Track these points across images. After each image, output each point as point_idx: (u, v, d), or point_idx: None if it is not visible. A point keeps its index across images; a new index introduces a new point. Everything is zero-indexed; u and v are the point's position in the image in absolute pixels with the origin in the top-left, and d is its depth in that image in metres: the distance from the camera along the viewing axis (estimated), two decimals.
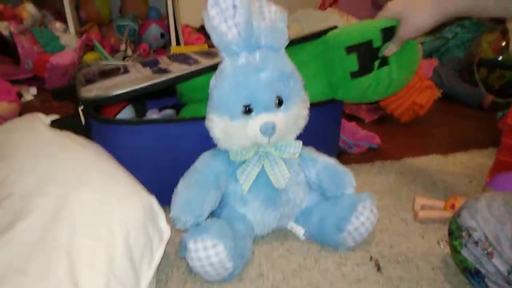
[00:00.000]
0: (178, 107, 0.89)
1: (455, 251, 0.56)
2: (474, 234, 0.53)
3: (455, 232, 0.56)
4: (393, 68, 0.78)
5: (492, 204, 0.53)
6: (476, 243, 0.53)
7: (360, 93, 0.80)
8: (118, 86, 0.70)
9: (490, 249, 0.51)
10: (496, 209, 0.52)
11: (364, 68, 0.77)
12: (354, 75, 0.77)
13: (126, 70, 0.79)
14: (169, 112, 0.89)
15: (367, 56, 0.76)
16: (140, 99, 0.92)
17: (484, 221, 0.52)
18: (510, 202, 0.52)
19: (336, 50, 0.77)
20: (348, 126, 1.04)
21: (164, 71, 0.75)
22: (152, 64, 0.81)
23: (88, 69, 0.89)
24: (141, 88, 0.69)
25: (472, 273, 0.55)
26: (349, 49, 0.76)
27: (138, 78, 0.73)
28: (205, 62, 0.75)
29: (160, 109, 0.89)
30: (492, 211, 0.53)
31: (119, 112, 0.82)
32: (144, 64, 0.81)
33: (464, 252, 0.54)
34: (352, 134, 1.03)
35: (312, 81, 0.74)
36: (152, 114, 0.87)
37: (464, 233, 0.54)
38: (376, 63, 0.77)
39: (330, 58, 0.79)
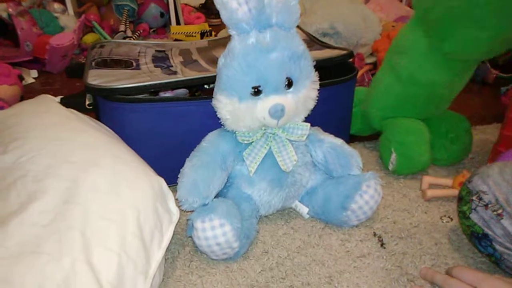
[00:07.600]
0: (191, 86, 0.90)
1: (463, 217, 0.58)
2: (485, 197, 0.55)
3: (465, 197, 0.58)
4: None
5: (504, 170, 0.55)
6: (486, 205, 0.54)
7: None
8: (122, 80, 0.70)
9: (500, 211, 0.53)
10: (509, 174, 0.54)
11: None
12: None
13: (137, 67, 0.79)
14: (182, 91, 0.88)
15: None
16: None
17: (495, 185, 0.54)
18: None
19: None
20: None
21: (174, 73, 0.76)
22: (163, 65, 0.81)
23: (101, 50, 0.88)
24: (144, 86, 0.70)
25: (479, 238, 0.56)
26: None
27: (146, 76, 0.74)
28: (213, 71, 0.74)
29: (173, 88, 0.89)
30: (504, 176, 0.54)
31: None
32: (156, 64, 0.82)
33: (473, 216, 0.56)
34: None
35: None
36: (165, 93, 0.87)
37: (474, 197, 0.56)
38: None
39: None
